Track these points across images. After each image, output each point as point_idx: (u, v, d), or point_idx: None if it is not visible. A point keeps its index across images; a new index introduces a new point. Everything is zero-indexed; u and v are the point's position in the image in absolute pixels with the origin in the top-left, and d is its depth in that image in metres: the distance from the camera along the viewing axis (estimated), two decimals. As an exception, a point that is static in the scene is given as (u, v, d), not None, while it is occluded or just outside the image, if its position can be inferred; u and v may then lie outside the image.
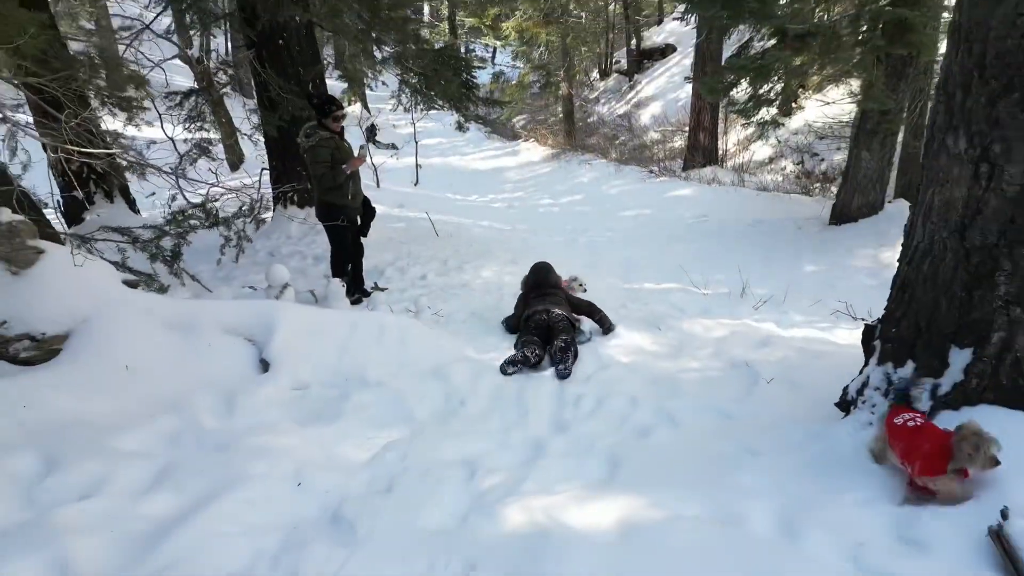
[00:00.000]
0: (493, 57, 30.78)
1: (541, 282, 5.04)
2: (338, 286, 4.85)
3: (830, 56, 7.20)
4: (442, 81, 7.58)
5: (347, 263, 5.55)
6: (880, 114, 7.68)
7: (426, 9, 25.25)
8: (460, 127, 8.96)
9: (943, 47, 8.48)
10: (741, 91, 8.60)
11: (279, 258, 6.59)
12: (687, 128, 16.36)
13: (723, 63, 8.49)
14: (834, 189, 13.68)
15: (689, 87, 20.03)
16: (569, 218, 11.17)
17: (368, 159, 12.49)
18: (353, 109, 19.10)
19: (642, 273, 7.24)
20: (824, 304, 5.77)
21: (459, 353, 4.11)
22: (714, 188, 11.91)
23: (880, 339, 2.93)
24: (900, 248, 6.59)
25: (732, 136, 16.04)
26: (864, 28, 7.35)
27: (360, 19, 7.60)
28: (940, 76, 2.62)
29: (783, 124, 11.82)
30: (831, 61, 7.30)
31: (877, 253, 7.23)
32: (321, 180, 5.18)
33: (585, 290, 5.53)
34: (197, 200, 5.44)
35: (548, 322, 4.40)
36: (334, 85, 19.81)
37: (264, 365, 3.50)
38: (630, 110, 20.58)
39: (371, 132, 17.94)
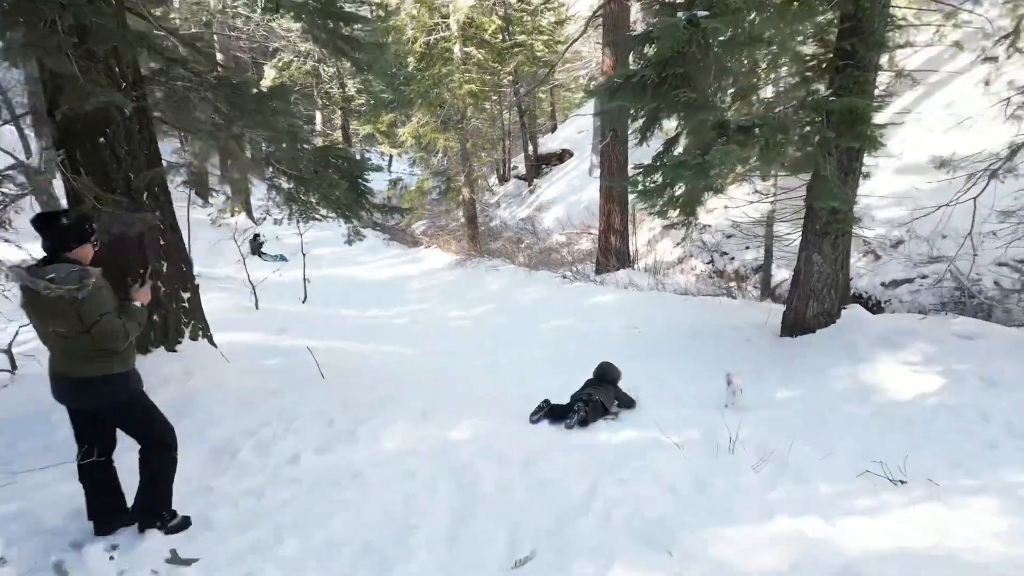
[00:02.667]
0: (389, 165, 29.71)
1: (603, 377, 5.93)
2: (102, 554, 2.78)
3: (777, 150, 6.10)
4: (326, 185, 5.87)
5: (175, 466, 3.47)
6: (830, 213, 6.62)
7: (318, 117, 23.92)
8: (349, 241, 7.20)
9: (888, 139, 7.61)
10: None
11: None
12: (594, 231, 15.37)
13: (640, 164, 7.33)
14: (751, 289, 12.84)
15: (590, 188, 19.44)
16: (484, 333, 9.49)
17: (246, 275, 10.45)
18: (234, 221, 17.01)
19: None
20: (839, 457, 4.26)
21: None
22: (634, 293, 10.65)
23: None
24: (880, 365, 5.06)
25: (640, 237, 15.19)
26: (808, 121, 6.37)
27: (218, 112, 5.86)
28: None
29: (709, 225, 10.87)
30: (778, 155, 6.21)
31: (855, 372, 5.91)
32: (113, 338, 3.15)
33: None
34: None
35: (584, 400, 5.34)
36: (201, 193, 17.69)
37: None
38: (532, 213, 19.65)
39: (256, 244, 15.86)
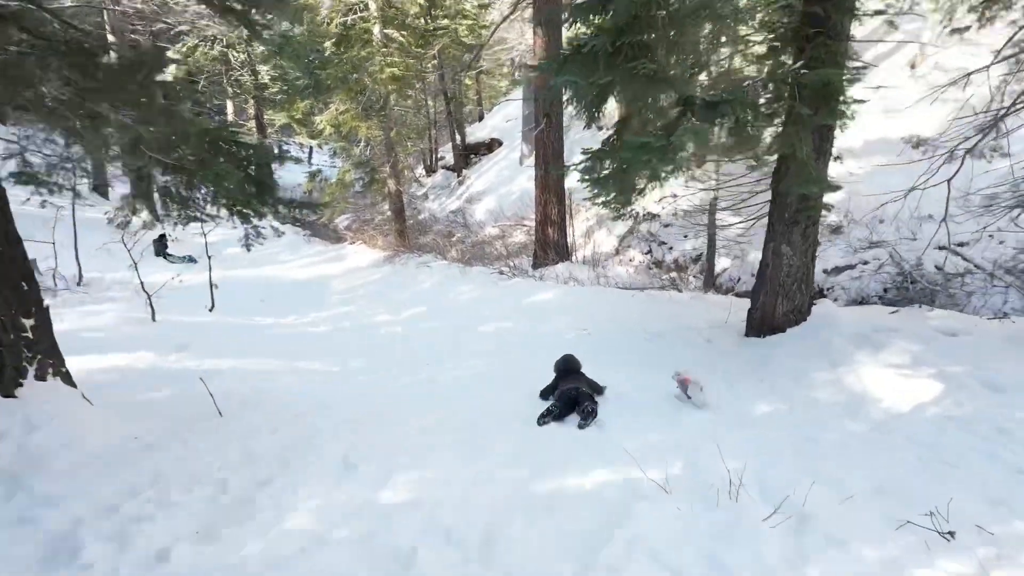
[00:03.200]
0: (310, 157, 27.85)
1: (571, 368, 5.68)
2: None
3: (748, 129, 5.25)
4: (212, 176, 4.59)
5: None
6: (800, 199, 5.85)
7: (229, 107, 21.86)
8: (247, 245, 5.90)
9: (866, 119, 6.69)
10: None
11: None
12: (529, 222, 14.46)
13: (588, 150, 6.34)
14: (692, 279, 12.22)
15: (521, 178, 18.45)
16: (417, 340, 8.35)
17: (139, 281, 8.91)
18: (136, 220, 15.07)
19: (538, 437, 4.57)
20: (860, 499, 3.41)
21: None
22: (577, 289, 9.75)
23: None
24: (863, 368, 4.44)
25: (576, 227, 14.36)
26: (777, 96, 5.54)
27: (70, 85, 4.48)
28: None
29: (656, 215, 9.99)
30: (748, 135, 5.37)
31: (838, 378, 5.16)
32: None
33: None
34: None
35: (576, 396, 5.11)
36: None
37: None
38: (463, 205, 18.53)
39: (160, 245, 14.07)
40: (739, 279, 12.20)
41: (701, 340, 6.68)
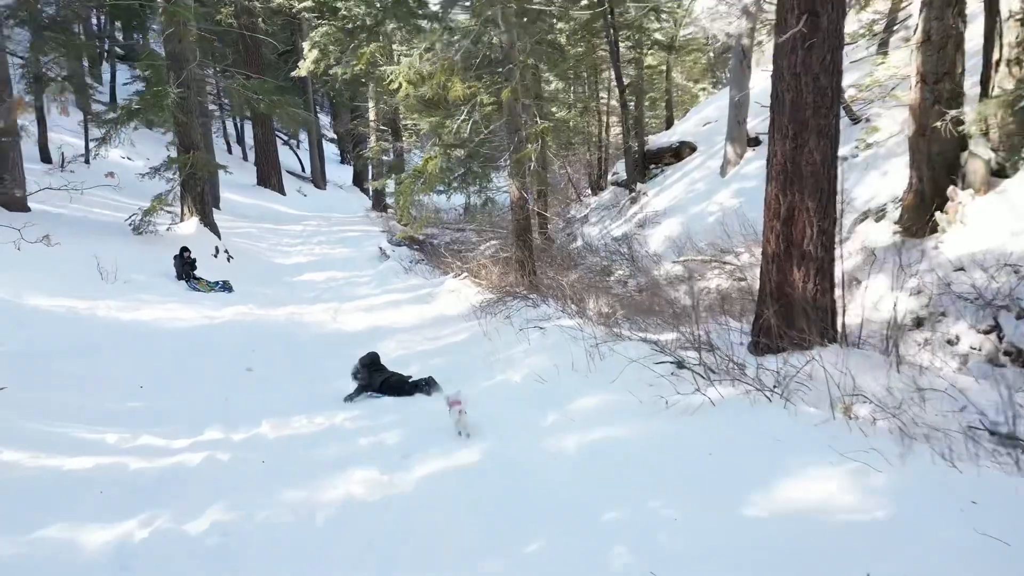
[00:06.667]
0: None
1: (377, 364, 5.31)
2: None
3: None
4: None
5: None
6: None
7: (371, 109, 17.36)
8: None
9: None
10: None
11: None
12: (735, 258, 7.42)
13: None
14: None
15: (722, 194, 11.33)
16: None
17: None
18: (184, 228, 10.57)
19: None
20: None
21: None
22: (871, 456, 2.64)
23: None
24: None
25: (846, 262, 6.90)
26: None
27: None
28: None
29: None
30: None
31: None
32: None
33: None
34: None
35: (400, 383, 5.13)
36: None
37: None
38: (632, 231, 11.83)
39: (184, 264, 9.26)
40: None
41: None
